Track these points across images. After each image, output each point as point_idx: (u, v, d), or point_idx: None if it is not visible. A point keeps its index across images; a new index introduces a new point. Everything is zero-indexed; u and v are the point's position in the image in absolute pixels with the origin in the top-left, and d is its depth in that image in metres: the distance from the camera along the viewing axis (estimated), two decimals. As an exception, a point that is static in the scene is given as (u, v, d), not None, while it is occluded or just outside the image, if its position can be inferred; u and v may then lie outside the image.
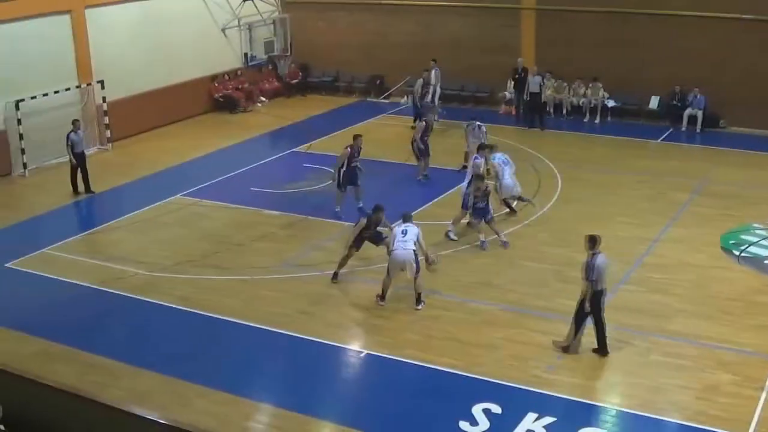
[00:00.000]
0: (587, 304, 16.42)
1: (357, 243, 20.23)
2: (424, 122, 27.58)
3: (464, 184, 23.32)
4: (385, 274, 19.08)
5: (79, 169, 27.03)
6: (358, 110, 37.22)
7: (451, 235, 22.67)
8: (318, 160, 29.37)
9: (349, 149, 24.49)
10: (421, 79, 33.17)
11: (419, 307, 18.80)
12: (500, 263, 21.17)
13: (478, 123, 27.48)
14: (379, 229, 19.90)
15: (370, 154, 29.95)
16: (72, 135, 26.88)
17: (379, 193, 24.86)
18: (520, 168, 27.27)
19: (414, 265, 18.55)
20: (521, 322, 18.12)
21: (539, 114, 33.54)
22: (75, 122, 27.34)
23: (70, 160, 27.03)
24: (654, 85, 33.18)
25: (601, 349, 16.75)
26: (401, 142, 30.59)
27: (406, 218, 19.41)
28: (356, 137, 25.11)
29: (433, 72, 33.83)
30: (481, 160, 23.69)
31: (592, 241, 16.61)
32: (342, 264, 20.38)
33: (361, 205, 24.36)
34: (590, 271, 16.34)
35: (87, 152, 27.98)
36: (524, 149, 29.96)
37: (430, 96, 33.35)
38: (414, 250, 18.58)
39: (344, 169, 24.33)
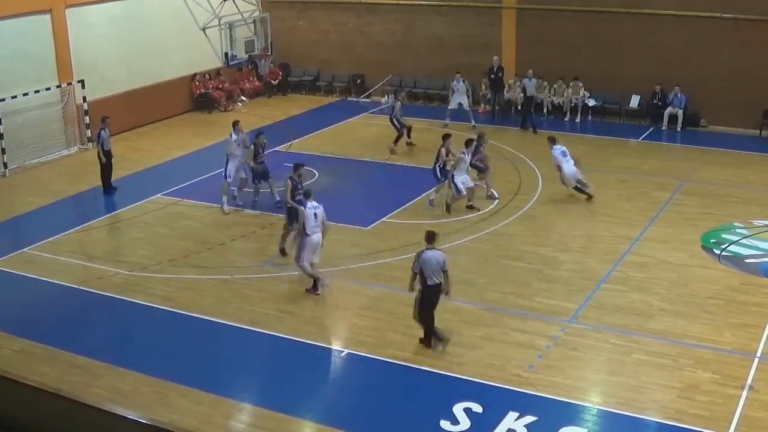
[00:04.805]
0: (410, 290, 17.04)
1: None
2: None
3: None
4: (304, 264, 19.37)
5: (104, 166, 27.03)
6: (338, 109, 37.22)
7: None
8: (298, 160, 29.31)
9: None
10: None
11: (318, 292, 19.49)
12: (481, 262, 21.19)
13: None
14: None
15: (352, 153, 30.09)
16: (102, 132, 26.74)
17: (362, 192, 24.94)
18: (500, 167, 27.46)
19: (320, 248, 19.41)
20: (502, 322, 18.14)
21: (532, 116, 33.30)
22: (105, 119, 27.02)
23: (100, 158, 26.90)
24: (634, 84, 33.26)
25: (425, 340, 17.10)
26: (383, 141, 30.67)
27: (308, 195, 19.76)
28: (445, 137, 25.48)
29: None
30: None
31: (427, 237, 17.02)
32: (285, 237, 21.35)
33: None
34: (414, 263, 16.77)
35: (68, 152, 27.86)
36: (505, 148, 30.01)
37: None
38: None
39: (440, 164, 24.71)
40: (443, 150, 24.51)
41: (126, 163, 29.49)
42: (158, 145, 32.26)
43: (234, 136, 25.30)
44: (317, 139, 32.35)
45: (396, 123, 30.42)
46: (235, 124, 25.84)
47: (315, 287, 19.48)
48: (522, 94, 34.08)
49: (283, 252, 21.55)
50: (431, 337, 17.00)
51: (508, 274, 20.44)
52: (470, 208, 24.19)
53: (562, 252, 21.64)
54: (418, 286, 16.93)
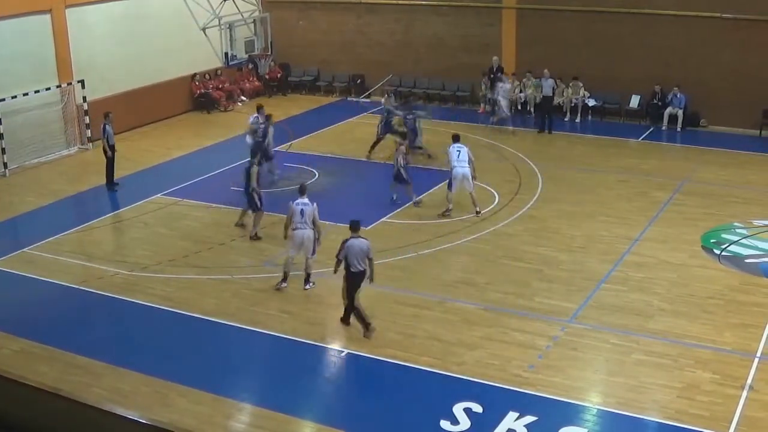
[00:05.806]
0: (334, 272, 17.90)
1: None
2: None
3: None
4: (288, 254, 19.90)
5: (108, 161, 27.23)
6: (338, 109, 37.21)
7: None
8: (298, 160, 29.35)
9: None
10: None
11: (307, 287, 19.88)
12: (481, 262, 21.20)
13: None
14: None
15: (352, 153, 30.07)
16: (107, 127, 26.88)
17: (362, 192, 24.88)
18: (500, 167, 27.49)
19: (311, 244, 19.54)
20: (502, 322, 18.14)
21: (549, 117, 32.99)
22: (108, 114, 27.16)
23: (106, 152, 27.04)
24: (634, 84, 33.25)
25: (344, 319, 18.00)
26: (383, 141, 30.65)
27: (302, 191, 20.07)
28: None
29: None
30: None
31: (351, 225, 17.95)
32: (255, 221, 22.89)
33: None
34: (339, 251, 17.59)
35: (68, 152, 27.79)
36: (505, 148, 30.01)
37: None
38: (312, 229, 19.47)
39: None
40: (401, 158, 24.68)
41: (126, 163, 29.45)
42: (158, 145, 32.25)
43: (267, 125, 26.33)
44: (317, 139, 32.35)
45: (380, 127, 29.76)
46: (260, 108, 27.25)
47: (284, 279, 19.97)
48: (521, 94, 34.15)
49: (254, 237, 22.78)
50: (350, 316, 17.84)
51: (508, 274, 20.44)
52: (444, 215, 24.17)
53: (561, 252, 21.63)
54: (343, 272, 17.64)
